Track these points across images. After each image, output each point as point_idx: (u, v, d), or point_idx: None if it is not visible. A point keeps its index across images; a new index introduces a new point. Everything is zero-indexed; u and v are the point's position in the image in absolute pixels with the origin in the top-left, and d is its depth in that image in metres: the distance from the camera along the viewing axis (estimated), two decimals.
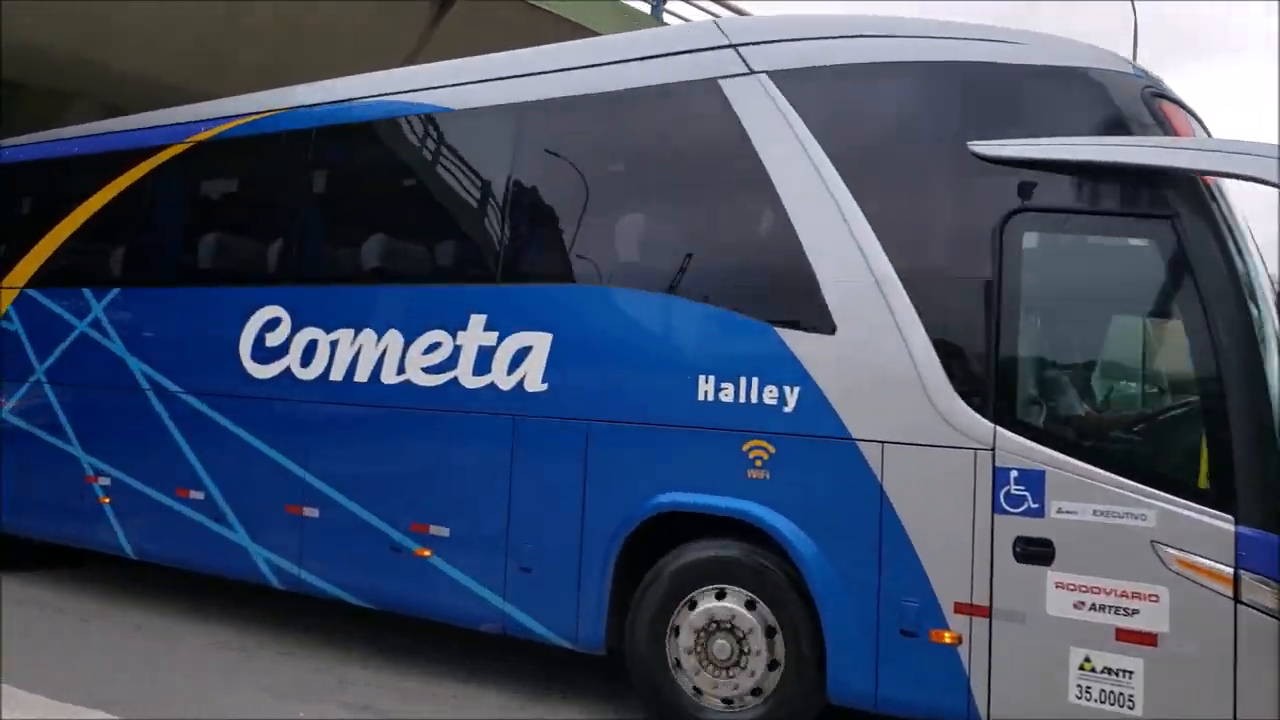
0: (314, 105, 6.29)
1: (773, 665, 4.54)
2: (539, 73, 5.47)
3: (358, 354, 5.77)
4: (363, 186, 6.26)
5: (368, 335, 5.75)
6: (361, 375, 5.75)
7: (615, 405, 4.95)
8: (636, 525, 4.83)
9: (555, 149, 5.43)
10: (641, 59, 5.17)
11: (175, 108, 7.09)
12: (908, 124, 4.57)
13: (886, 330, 4.30)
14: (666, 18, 13.93)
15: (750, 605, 4.58)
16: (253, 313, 6.23)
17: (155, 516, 6.56)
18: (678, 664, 4.71)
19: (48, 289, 7.39)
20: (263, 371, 6.16)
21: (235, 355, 6.27)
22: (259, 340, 6.18)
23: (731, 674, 4.60)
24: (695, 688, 4.67)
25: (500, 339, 5.28)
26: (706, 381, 4.68)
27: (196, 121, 6.83)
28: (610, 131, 5.31)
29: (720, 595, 4.65)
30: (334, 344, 5.87)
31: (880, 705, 4.28)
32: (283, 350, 6.08)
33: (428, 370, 5.52)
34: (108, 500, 6.84)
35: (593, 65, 5.30)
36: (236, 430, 6.25)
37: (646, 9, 13.86)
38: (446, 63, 6.00)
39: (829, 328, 4.43)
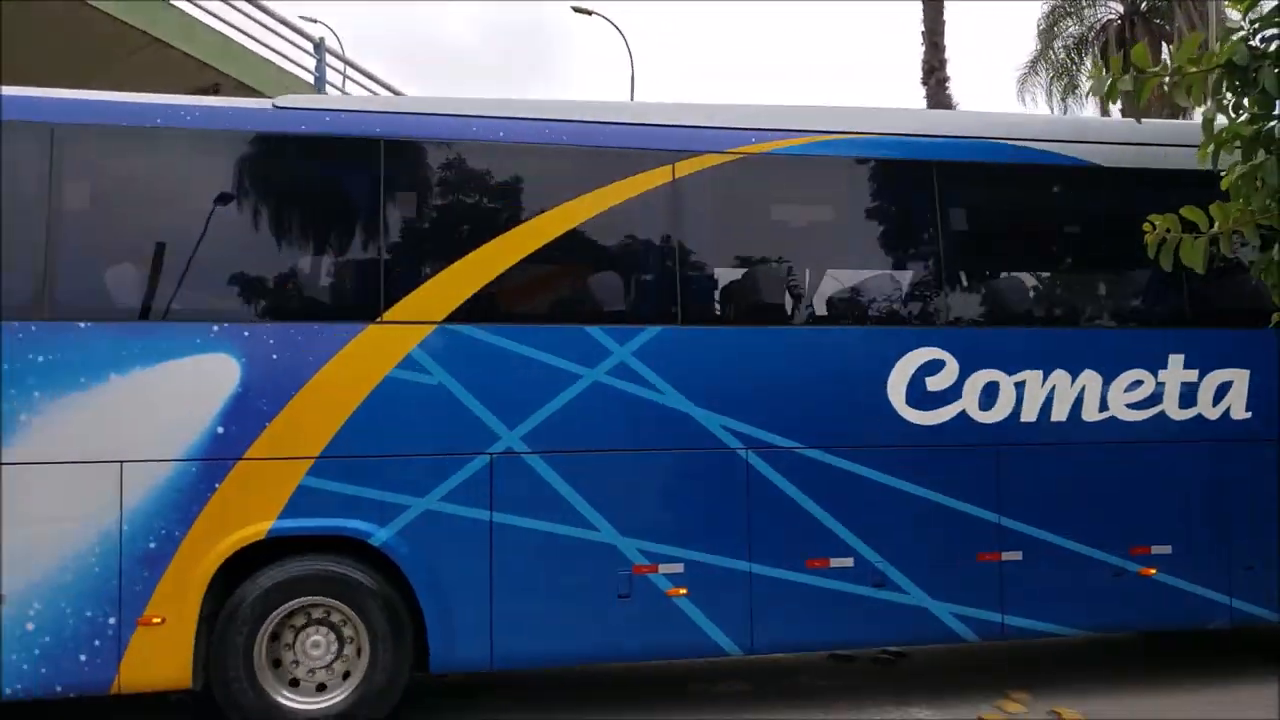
0: (937, 136, 6.08)
1: None
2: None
3: (1051, 394, 5.93)
4: (1026, 231, 6.32)
5: (1060, 375, 5.95)
6: (1058, 414, 5.94)
7: None
8: None
9: None
10: None
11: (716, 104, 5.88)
12: None
13: None
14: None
15: None
16: (901, 356, 5.80)
17: (774, 598, 5.58)
18: None
19: (503, 326, 5.44)
20: (925, 418, 5.80)
21: (883, 401, 5.76)
22: (915, 384, 5.79)
23: None
24: None
25: (1201, 376, 6.12)
26: None
27: (760, 130, 5.83)
28: None
29: None
30: (1019, 385, 5.90)
31: None
32: (952, 394, 5.83)
33: (1132, 406, 6.03)
34: (682, 592, 5.49)
35: None
36: (896, 484, 5.75)
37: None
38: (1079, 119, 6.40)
39: None
